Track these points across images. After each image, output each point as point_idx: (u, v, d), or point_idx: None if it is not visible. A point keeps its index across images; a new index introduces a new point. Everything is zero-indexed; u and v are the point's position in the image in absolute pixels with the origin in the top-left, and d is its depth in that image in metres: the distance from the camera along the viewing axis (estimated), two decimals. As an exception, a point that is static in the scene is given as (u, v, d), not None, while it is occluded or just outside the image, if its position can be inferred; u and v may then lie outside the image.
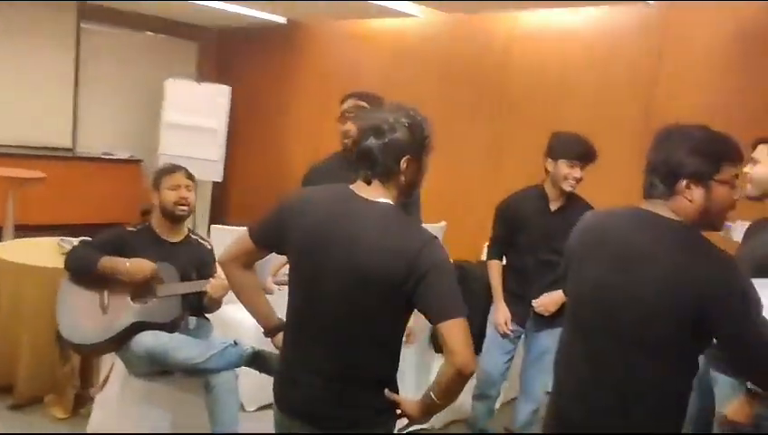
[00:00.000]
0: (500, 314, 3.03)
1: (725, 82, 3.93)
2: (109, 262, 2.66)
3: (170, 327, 2.71)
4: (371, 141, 1.66)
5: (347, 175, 2.59)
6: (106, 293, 2.70)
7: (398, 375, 1.79)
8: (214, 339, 2.83)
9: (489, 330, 3.13)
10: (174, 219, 2.83)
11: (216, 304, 2.87)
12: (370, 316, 1.64)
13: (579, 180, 2.89)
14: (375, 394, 1.70)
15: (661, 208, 1.63)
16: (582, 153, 2.87)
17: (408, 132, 1.66)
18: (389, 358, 1.73)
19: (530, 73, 4.82)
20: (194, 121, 5.62)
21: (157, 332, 2.66)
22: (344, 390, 1.67)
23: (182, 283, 2.78)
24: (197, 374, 2.64)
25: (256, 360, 2.71)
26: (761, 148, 2.35)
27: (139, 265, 2.67)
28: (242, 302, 1.88)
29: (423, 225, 2.45)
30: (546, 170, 2.96)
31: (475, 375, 1.71)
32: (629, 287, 1.60)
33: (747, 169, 2.31)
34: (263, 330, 1.91)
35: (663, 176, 1.62)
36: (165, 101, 5.65)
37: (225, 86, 5.78)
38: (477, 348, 3.07)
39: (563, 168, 2.88)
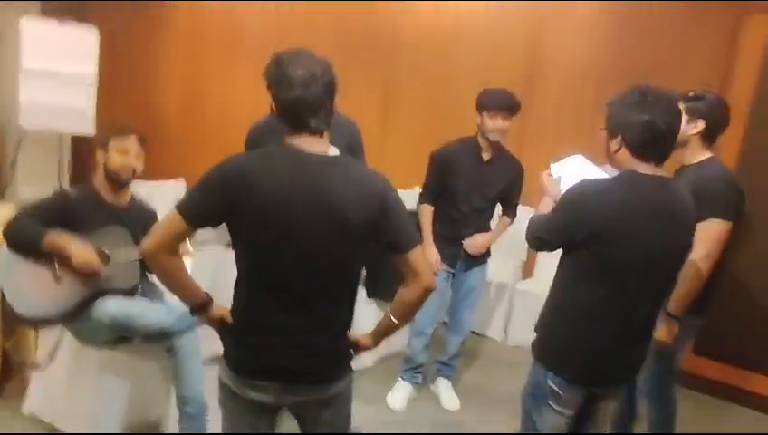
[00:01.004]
0: (431, 254, 3.27)
1: (599, 43, 4.42)
2: (54, 242, 2.46)
3: (131, 293, 2.62)
4: (315, 90, 1.62)
5: None
6: (56, 262, 2.51)
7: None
8: (170, 300, 2.77)
9: None
10: (119, 184, 2.68)
11: None
12: (344, 265, 1.70)
13: (504, 131, 3.16)
14: (343, 340, 1.80)
15: (659, 170, 1.89)
16: (503, 105, 3.10)
17: (330, 74, 1.67)
18: (353, 302, 1.81)
19: (423, 32, 4.98)
20: (58, 67, 5.05)
21: (119, 298, 2.55)
22: (317, 342, 1.72)
23: (138, 246, 2.67)
24: (163, 338, 2.59)
25: (219, 318, 2.72)
26: None
27: (84, 257, 2.47)
28: (168, 287, 1.74)
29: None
30: (478, 124, 3.21)
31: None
32: (678, 246, 1.91)
33: None
34: (189, 308, 1.78)
35: (673, 141, 1.86)
36: (22, 44, 5.00)
37: (92, 27, 5.25)
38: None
39: (487, 119, 3.13)
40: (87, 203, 2.63)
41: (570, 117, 4.54)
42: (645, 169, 1.86)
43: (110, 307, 2.50)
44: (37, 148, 5.59)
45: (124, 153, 2.63)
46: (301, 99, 1.61)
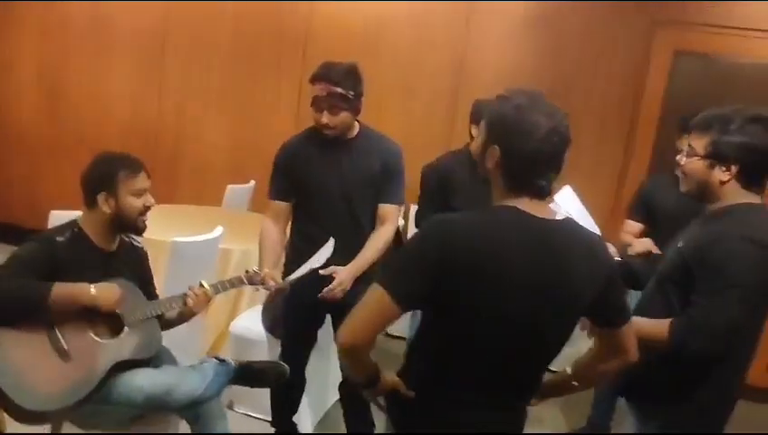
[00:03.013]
0: None
1: (522, 47, 4.48)
2: (64, 291, 1.91)
3: (150, 360, 2.11)
4: (558, 143, 1.36)
5: (323, 154, 2.44)
6: (58, 332, 1.94)
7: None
8: (184, 362, 2.30)
9: None
10: (135, 231, 2.16)
11: (183, 321, 2.31)
12: (558, 344, 1.49)
13: None
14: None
15: None
16: None
17: (568, 124, 1.39)
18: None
19: (336, 30, 4.67)
20: None
21: (144, 369, 2.06)
22: (508, 422, 1.53)
23: (156, 301, 2.18)
24: (194, 408, 2.14)
25: (246, 374, 2.34)
26: None
27: (106, 292, 1.97)
28: (354, 370, 1.50)
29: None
30: (471, 135, 3.08)
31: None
32: None
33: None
34: (361, 384, 1.54)
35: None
36: None
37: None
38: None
39: None
40: (74, 248, 2.05)
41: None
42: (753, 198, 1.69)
43: (142, 382, 2.00)
44: None
45: (141, 194, 2.09)
46: (540, 153, 1.35)
